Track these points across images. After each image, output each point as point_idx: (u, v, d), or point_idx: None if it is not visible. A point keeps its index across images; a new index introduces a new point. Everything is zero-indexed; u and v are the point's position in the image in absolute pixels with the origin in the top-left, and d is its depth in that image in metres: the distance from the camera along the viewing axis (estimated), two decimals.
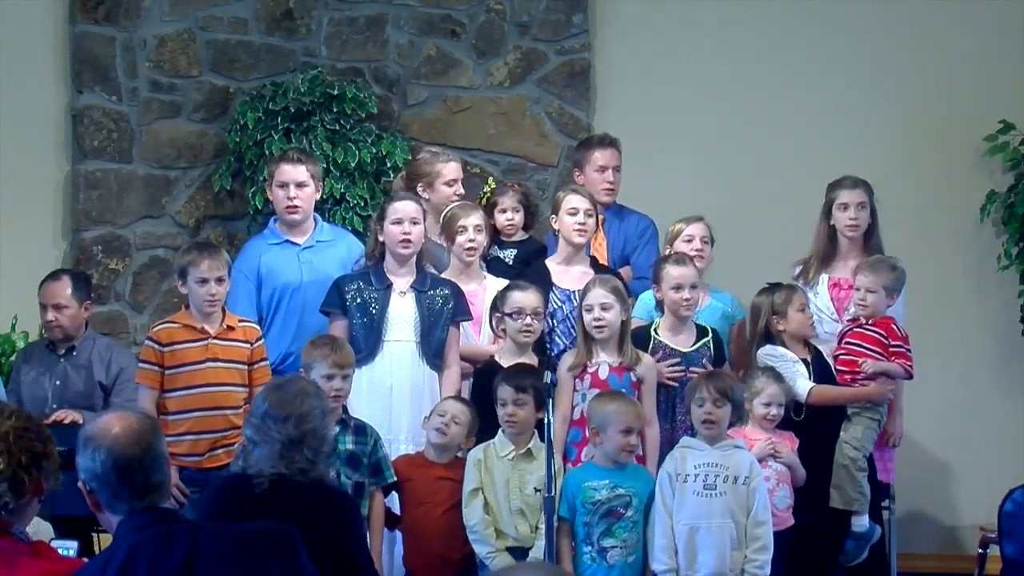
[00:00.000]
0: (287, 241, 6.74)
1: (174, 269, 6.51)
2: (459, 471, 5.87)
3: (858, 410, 6.41)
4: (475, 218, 6.59)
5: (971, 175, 7.98)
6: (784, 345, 6.41)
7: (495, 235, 7.00)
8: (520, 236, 7.01)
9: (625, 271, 6.96)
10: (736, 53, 8.06)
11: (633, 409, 5.80)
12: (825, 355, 6.51)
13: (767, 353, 6.40)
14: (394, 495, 5.88)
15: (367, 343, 6.23)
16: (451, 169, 6.90)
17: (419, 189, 6.84)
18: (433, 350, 6.29)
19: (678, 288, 6.30)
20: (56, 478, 3.59)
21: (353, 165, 7.55)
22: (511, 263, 6.90)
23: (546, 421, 5.46)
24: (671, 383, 6.24)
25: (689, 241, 6.65)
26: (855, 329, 6.51)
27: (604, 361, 6.12)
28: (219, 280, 6.16)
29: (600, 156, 7.13)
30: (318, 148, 7.47)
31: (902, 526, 7.13)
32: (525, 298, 6.19)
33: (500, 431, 5.89)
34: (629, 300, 6.24)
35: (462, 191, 6.91)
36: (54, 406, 6.51)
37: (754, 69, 8.05)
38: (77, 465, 3.52)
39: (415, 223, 6.31)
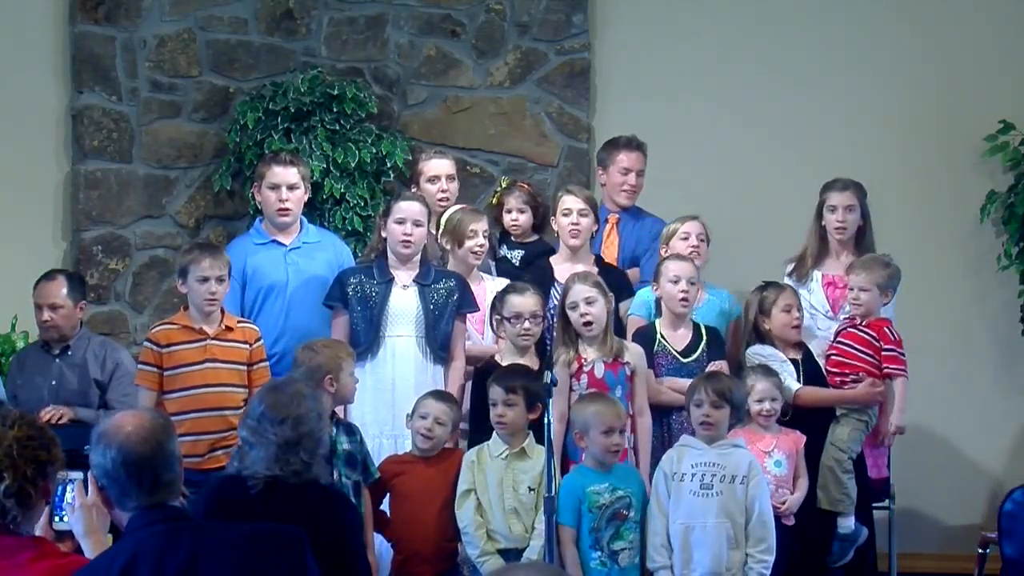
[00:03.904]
0: (273, 241, 6.73)
1: (175, 269, 6.51)
2: (446, 464, 5.88)
3: (846, 411, 6.41)
4: (484, 223, 6.62)
5: (971, 175, 7.98)
6: (773, 344, 6.41)
7: (504, 235, 7.03)
8: (530, 237, 7.02)
9: (633, 272, 6.98)
10: (735, 53, 8.06)
11: (613, 409, 5.78)
12: (818, 354, 6.51)
13: (755, 353, 6.42)
14: (386, 499, 5.88)
15: (366, 337, 6.26)
16: (431, 166, 6.93)
17: (413, 189, 6.88)
18: (438, 343, 6.30)
19: (675, 281, 6.31)
20: (66, 480, 3.61)
21: (353, 165, 7.55)
22: (517, 264, 6.91)
23: (546, 421, 5.45)
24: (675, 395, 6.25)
25: (685, 239, 6.67)
26: (848, 329, 6.51)
27: (597, 359, 6.12)
28: (219, 279, 6.17)
29: (625, 158, 7.15)
30: (318, 148, 7.47)
31: (902, 526, 7.12)
32: (523, 302, 6.19)
33: (494, 432, 5.89)
34: (609, 292, 6.23)
35: (448, 188, 6.92)
36: (50, 406, 6.52)
37: (753, 69, 8.05)
38: (90, 461, 3.53)
39: (418, 225, 6.32)
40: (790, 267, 6.86)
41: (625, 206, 7.11)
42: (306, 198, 6.80)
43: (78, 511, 3.65)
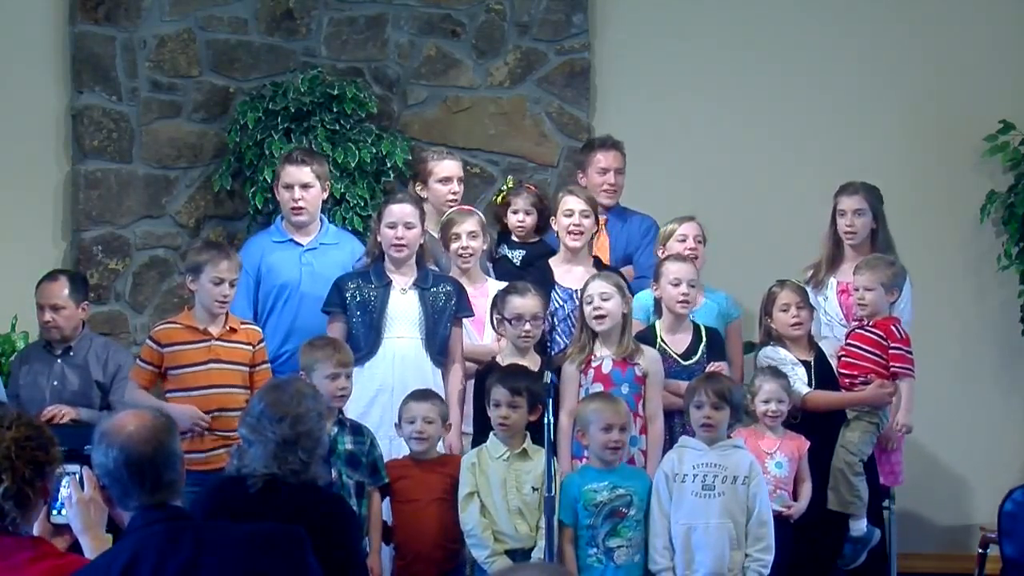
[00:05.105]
0: (291, 240, 6.75)
1: (185, 266, 6.49)
2: (446, 465, 5.88)
3: (857, 413, 6.39)
4: (469, 224, 6.59)
5: (971, 175, 7.99)
6: (785, 345, 6.40)
7: (506, 234, 7.01)
8: (532, 238, 7.02)
9: (627, 271, 6.97)
10: (736, 53, 8.06)
11: (612, 407, 5.78)
12: (830, 354, 6.49)
13: (766, 355, 6.41)
14: (386, 506, 5.87)
15: (367, 341, 6.25)
16: (444, 167, 6.92)
17: (417, 188, 6.88)
18: (437, 347, 6.29)
19: (676, 283, 6.32)
20: (62, 474, 3.61)
21: (353, 165, 7.55)
22: (518, 264, 6.91)
23: (546, 421, 5.45)
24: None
25: (683, 240, 6.67)
26: (856, 330, 6.50)
27: (607, 355, 6.13)
28: (232, 283, 6.18)
29: (602, 158, 7.16)
30: (318, 148, 7.46)
31: (902, 526, 7.12)
32: (524, 304, 6.18)
33: (492, 433, 5.88)
34: (628, 294, 6.24)
35: (458, 189, 6.92)
36: (51, 406, 6.51)
37: (754, 69, 8.05)
38: (92, 460, 3.54)
39: (409, 227, 6.31)
40: (808, 274, 6.84)
41: (607, 205, 7.10)
42: (325, 195, 6.81)
43: (76, 507, 3.65)
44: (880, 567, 6.63)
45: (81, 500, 3.65)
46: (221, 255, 6.19)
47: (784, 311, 6.41)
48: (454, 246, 6.57)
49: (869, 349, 6.42)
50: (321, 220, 6.84)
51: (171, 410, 5.90)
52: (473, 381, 6.30)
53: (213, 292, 6.16)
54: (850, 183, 6.84)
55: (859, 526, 6.33)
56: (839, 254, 6.81)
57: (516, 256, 6.95)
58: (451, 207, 6.84)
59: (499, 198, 7.20)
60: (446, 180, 6.91)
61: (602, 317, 6.13)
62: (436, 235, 6.69)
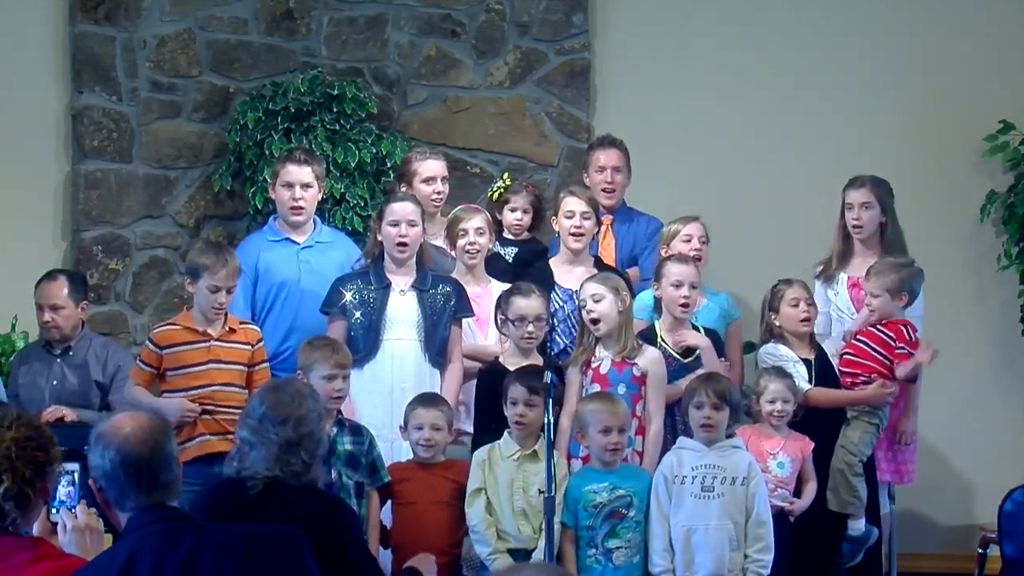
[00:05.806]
0: (287, 239, 6.75)
1: (185, 266, 6.48)
2: (449, 469, 5.89)
3: (857, 413, 6.39)
4: (476, 220, 6.59)
5: (971, 175, 7.98)
6: (787, 343, 6.40)
7: (498, 231, 7.01)
8: (524, 236, 7.02)
9: (633, 272, 6.97)
10: (736, 53, 8.06)
11: (610, 408, 5.76)
12: (832, 353, 6.49)
13: (767, 352, 6.41)
14: (386, 510, 5.87)
15: (366, 342, 6.24)
16: (427, 167, 6.91)
17: (402, 189, 6.86)
18: (436, 348, 6.29)
19: (678, 285, 6.30)
20: (61, 473, 3.61)
21: (353, 165, 7.55)
22: (510, 261, 6.91)
23: (546, 421, 5.45)
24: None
25: (687, 241, 6.66)
26: (867, 327, 6.49)
27: (606, 356, 6.13)
28: (229, 290, 6.18)
29: (601, 156, 7.17)
30: (318, 148, 7.47)
31: (902, 526, 7.12)
32: (528, 305, 6.17)
33: (507, 432, 5.88)
34: (625, 292, 6.22)
35: (442, 188, 6.90)
36: (50, 406, 6.52)
37: (754, 69, 8.05)
38: (89, 462, 3.54)
39: (412, 225, 6.31)
40: (818, 269, 6.83)
41: (607, 205, 7.09)
42: (320, 196, 6.82)
43: (70, 534, 3.66)
44: (875, 566, 6.62)
45: (77, 528, 3.66)
46: (220, 262, 6.17)
47: (794, 306, 6.40)
48: (461, 242, 6.56)
49: (876, 347, 6.42)
50: (314, 220, 6.84)
51: (160, 405, 5.93)
52: (475, 381, 6.30)
53: (210, 299, 6.16)
54: (858, 176, 6.83)
55: (857, 526, 6.32)
56: (848, 248, 6.80)
57: (508, 253, 6.96)
58: (435, 207, 6.86)
59: (495, 195, 7.19)
60: (430, 180, 6.89)
61: (596, 320, 6.12)
62: (431, 239, 6.68)
